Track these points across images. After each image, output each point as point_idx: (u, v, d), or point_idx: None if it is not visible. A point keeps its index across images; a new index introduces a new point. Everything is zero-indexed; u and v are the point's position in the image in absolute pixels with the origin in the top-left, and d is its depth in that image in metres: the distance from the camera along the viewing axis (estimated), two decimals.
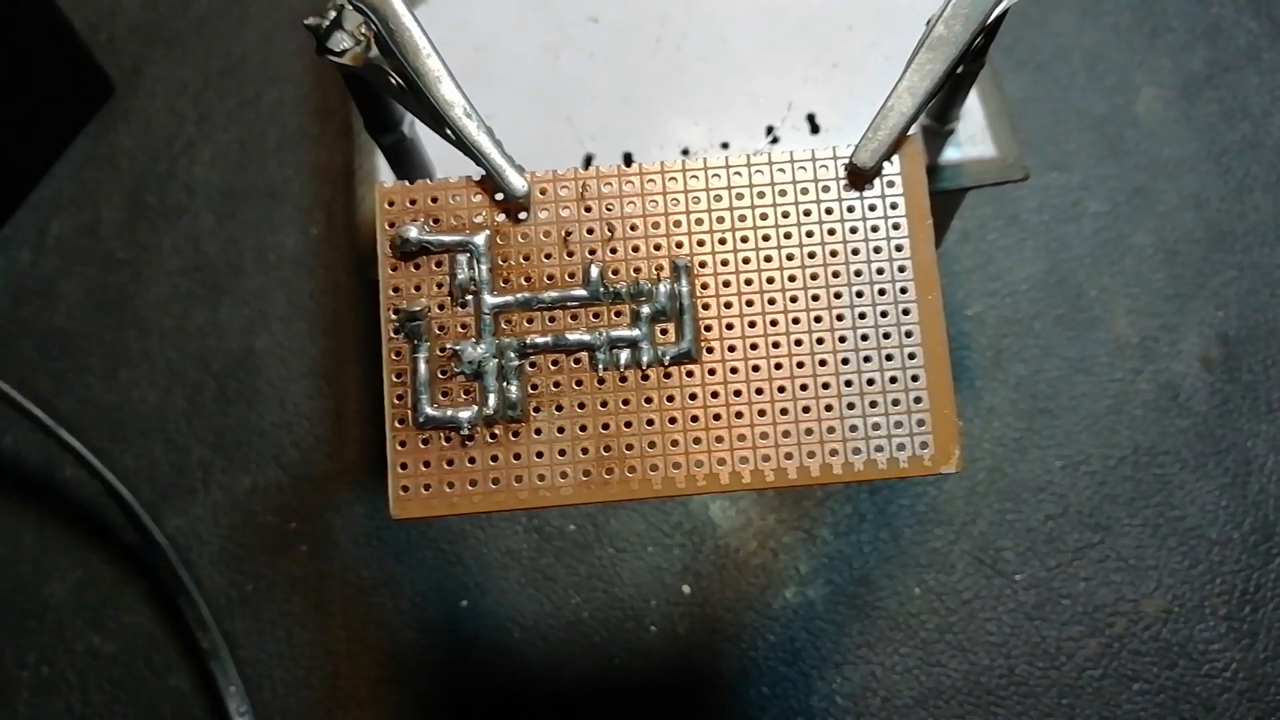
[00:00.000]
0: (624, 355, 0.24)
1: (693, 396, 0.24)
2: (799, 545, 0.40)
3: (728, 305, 0.24)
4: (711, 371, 0.24)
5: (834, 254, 0.24)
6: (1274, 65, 0.46)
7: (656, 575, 0.40)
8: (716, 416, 0.24)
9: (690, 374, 0.24)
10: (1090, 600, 0.39)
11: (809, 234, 0.24)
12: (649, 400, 0.24)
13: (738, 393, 0.24)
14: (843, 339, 0.24)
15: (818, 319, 0.24)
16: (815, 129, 0.34)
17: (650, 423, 0.24)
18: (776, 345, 0.24)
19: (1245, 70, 0.46)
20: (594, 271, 0.24)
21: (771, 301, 0.24)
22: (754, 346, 0.24)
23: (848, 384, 0.24)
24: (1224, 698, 0.38)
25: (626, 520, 0.41)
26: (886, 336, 0.24)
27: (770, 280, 0.24)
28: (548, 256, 0.25)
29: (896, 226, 0.24)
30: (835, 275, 0.24)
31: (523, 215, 0.25)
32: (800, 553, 0.40)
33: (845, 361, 0.24)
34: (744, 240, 0.24)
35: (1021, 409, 0.42)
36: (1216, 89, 0.46)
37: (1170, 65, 0.47)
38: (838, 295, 0.24)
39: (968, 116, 0.33)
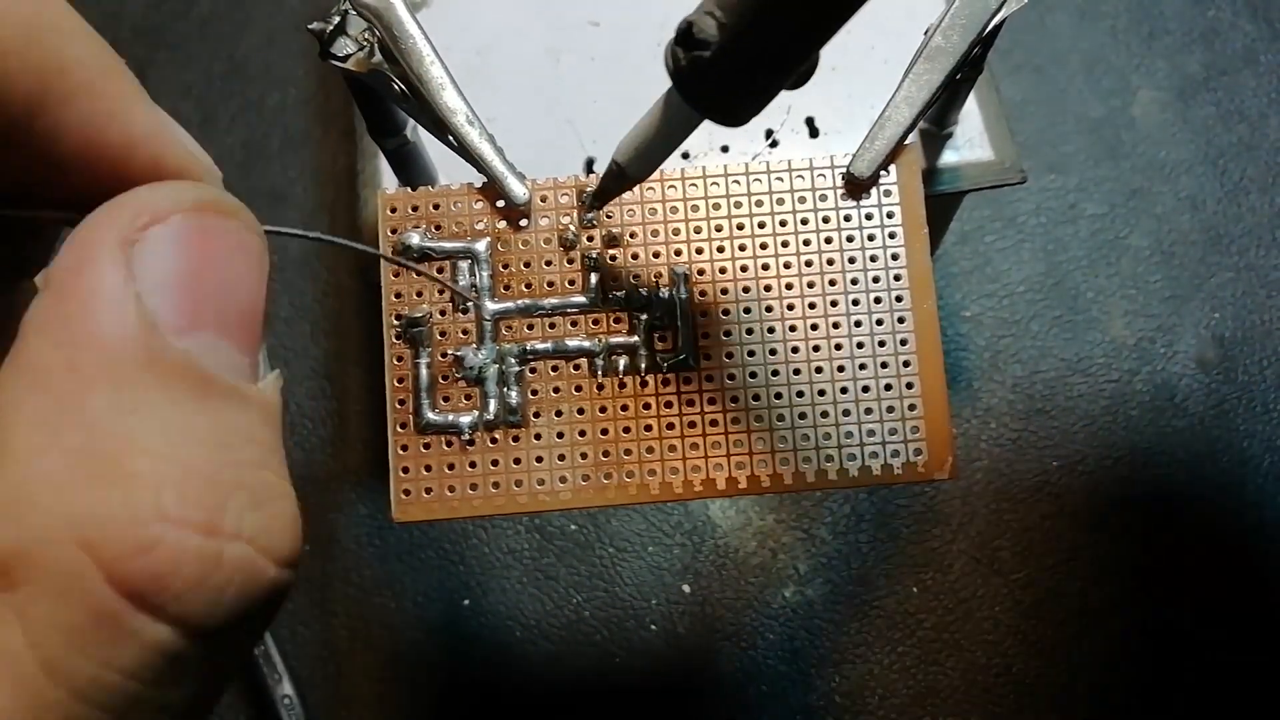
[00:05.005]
0: (623, 362, 0.24)
1: (690, 403, 0.24)
2: (798, 545, 0.41)
3: (725, 313, 0.24)
4: (709, 378, 0.24)
5: (830, 262, 0.25)
6: (1270, 68, 0.47)
7: (657, 575, 0.41)
8: (714, 422, 0.24)
9: (688, 381, 0.24)
10: (1087, 599, 0.39)
11: (806, 242, 0.25)
12: (647, 406, 0.24)
13: (735, 399, 0.24)
14: (839, 346, 0.24)
15: (814, 327, 0.24)
16: (814, 133, 0.34)
17: (648, 428, 0.24)
18: (773, 352, 0.24)
19: (1242, 73, 0.47)
20: (593, 279, 0.25)
21: (769, 309, 0.24)
22: (751, 354, 0.24)
23: (843, 391, 0.24)
24: (1221, 697, 0.38)
25: (627, 520, 0.41)
26: (882, 344, 0.24)
27: (767, 288, 0.25)
28: (548, 263, 0.25)
29: (893, 235, 0.25)
30: (832, 283, 0.25)
31: (524, 222, 0.25)
32: (799, 552, 0.41)
33: (841, 369, 0.24)
34: (742, 248, 0.25)
35: (1019, 410, 0.42)
36: (1213, 91, 0.46)
37: (1167, 68, 0.47)
38: (834, 303, 0.24)
39: (965, 120, 0.33)
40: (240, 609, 0.13)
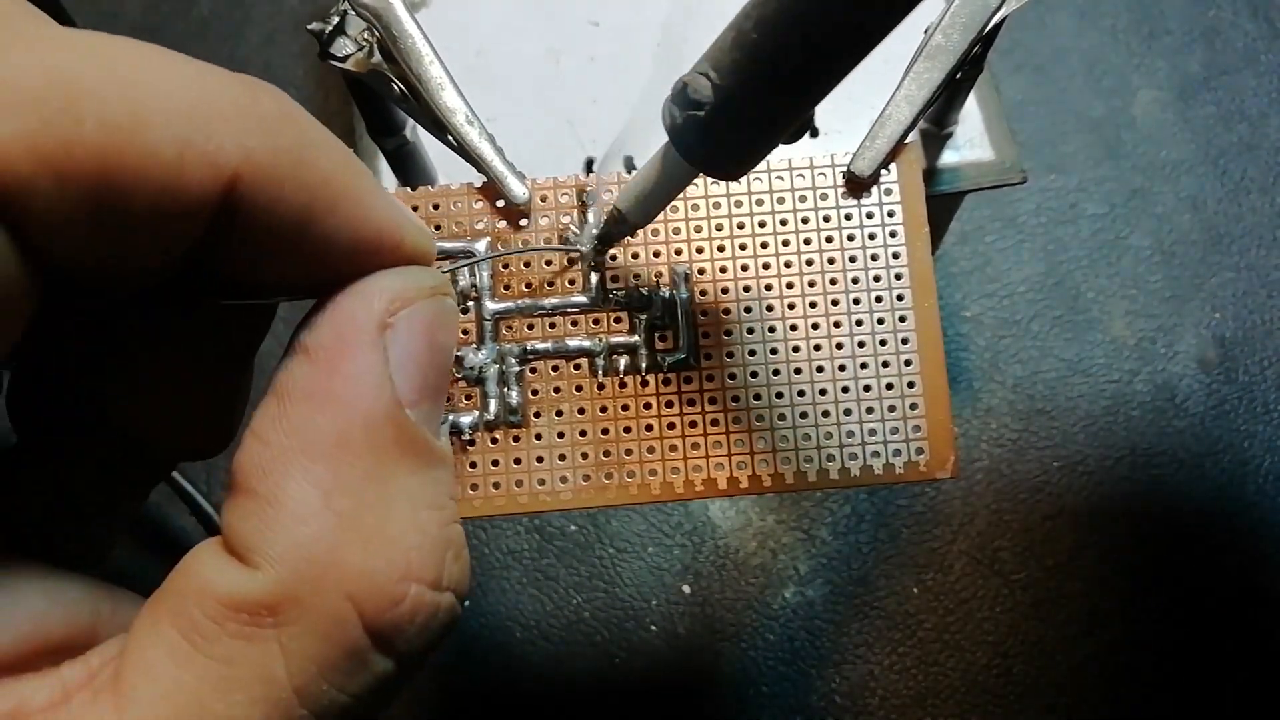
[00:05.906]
0: (623, 361, 0.24)
1: (691, 402, 0.24)
2: (798, 545, 0.41)
3: (726, 312, 0.24)
4: (710, 378, 0.24)
5: (831, 261, 0.25)
6: (1271, 67, 0.47)
7: (657, 575, 0.41)
8: (714, 422, 0.24)
9: (689, 380, 0.24)
10: (1087, 600, 0.39)
11: (807, 241, 0.25)
12: (648, 406, 0.24)
13: (736, 399, 0.24)
14: (839, 345, 0.24)
15: (815, 326, 0.24)
16: (814, 133, 0.34)
17: (649, 428, 0.24)
18: (774, 352, 0.24)
19: (1242, 73, 0.47)
20: (594, 278, 0.25)
21: (769, 308, 0.24)
22: (752, 353, 0.24)
23: (844, 390, 0.24)
24: (1221, 697, 0.38)
25: (627, 521, 0.41)
26: (883, 343, 0.24)
27: (768, 287, 0.24)
28: (548, 263, 0.25)
29: (893, 234, 0.25)
30: (833, 282, 0.24)
31: (524, 222, 0.25)
32: (799, 553, 0.41)
33: (842, 368, 0.24)
34: (742, 248, 0.25)
35: (1019, 410, 0.42)
36: (1214, 91, 0.46)
37: (1168, 68, 0.47)
38: (835, 302, 0.24)
39: (966, 120, 0.33)
40: (438, 641, 0.16)
